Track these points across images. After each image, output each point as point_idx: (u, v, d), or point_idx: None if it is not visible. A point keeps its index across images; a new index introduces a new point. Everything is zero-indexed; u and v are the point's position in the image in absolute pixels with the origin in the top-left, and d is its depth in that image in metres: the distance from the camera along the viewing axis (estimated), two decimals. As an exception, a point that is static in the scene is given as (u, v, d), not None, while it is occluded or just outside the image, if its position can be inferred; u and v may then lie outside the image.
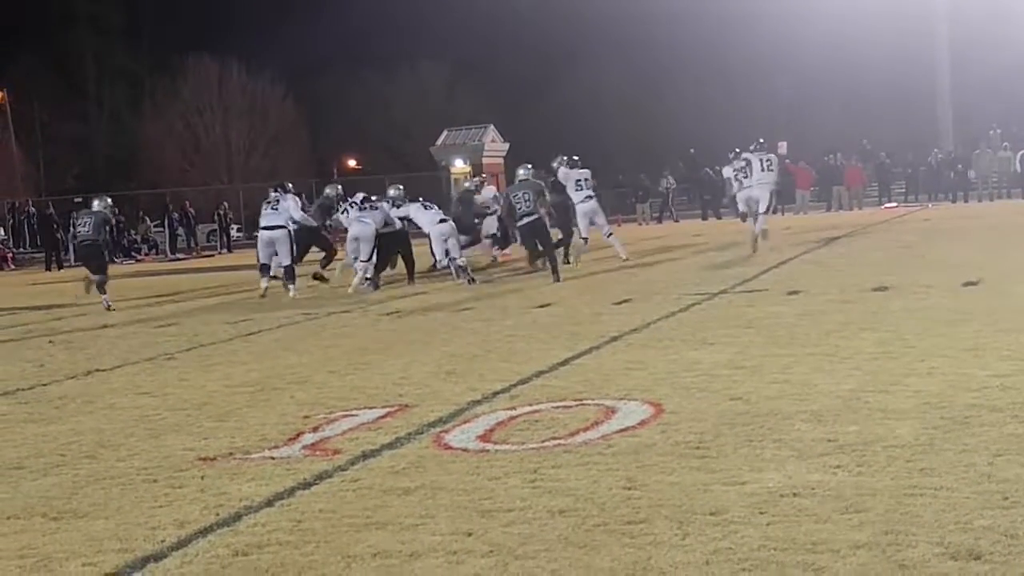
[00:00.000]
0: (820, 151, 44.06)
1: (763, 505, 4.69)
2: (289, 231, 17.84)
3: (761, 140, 22.29)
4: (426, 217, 18.75)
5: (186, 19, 68.86)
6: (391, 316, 13.45)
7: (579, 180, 20.70)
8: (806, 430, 5.91)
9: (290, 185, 19.99)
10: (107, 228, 20.09)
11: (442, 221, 18.57)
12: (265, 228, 17.88)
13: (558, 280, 16.65)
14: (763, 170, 20.37)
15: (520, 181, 18.44)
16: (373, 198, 19.47)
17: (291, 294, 17.21)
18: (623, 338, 9.90)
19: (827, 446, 5.55)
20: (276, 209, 17.95)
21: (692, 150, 50.07)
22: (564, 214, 20.68)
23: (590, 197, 20.50)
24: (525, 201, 17.65)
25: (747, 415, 6.36)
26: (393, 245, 18.86)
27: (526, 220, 17.67)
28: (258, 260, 18.04)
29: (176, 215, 43.60)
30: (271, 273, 17.67)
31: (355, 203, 19.05)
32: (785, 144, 47.29)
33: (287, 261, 17.64)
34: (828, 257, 18.08)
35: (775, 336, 9.32)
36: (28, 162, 63.57)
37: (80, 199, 51.55)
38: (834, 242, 21.51)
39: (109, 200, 19.17)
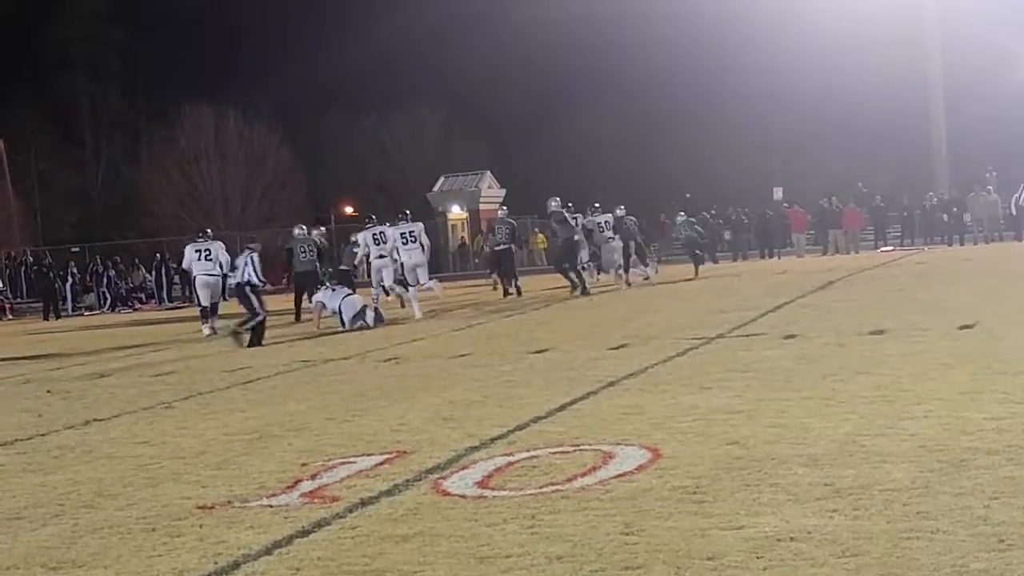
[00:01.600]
0: (815, 195, 44.25)
1: (760, 550, 4.70)
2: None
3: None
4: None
5: (182, 67, 69.21)
6: (389, 363, 13.46)
7: (601, 223, 26.33)
8: (803, 474, 5.92)
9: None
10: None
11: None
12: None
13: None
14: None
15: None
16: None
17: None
18: (620, 383, 9.92)
19: (824, 490, 5.56)
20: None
21: (688, 195, 50.29)
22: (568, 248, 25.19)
23: (611, 238, 26.07)
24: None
25: (744, 459, 6.37)
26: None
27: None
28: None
29: (173, 264, 43.64)
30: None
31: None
32: (781, 189, 47.63)
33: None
34: (824, 301, 18.11)
35: (772, 380, 9.34)
36: (25, 211, 63.65)
37: (77, 248, 51.75)
38: (830, 286, 21.55)
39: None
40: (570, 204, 27.44)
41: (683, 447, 6.85)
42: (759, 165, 61.66)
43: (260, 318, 17.99)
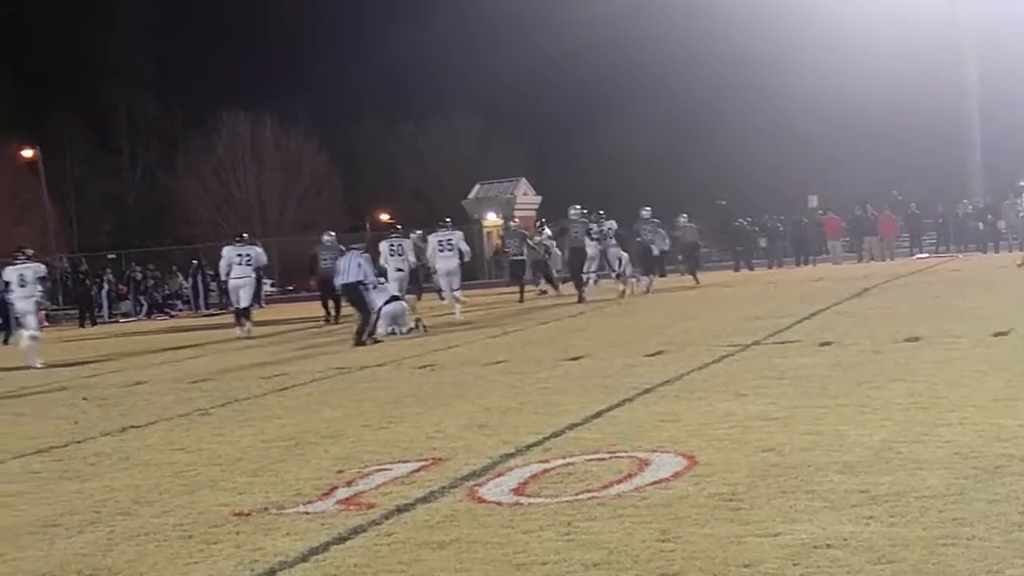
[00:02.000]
0: (850, 202, 44.09)
1: (796, 556, 4.69)
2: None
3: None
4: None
5: (219, 74, 69.78)
6: (424, 369, 13.48)
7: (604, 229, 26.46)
8: (839, 481, 5.90)
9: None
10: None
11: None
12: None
13: None
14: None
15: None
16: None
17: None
18: (656, 390, 9.90)
19: (859, 497, 5.54)
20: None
21: (723, 202, 50.16)
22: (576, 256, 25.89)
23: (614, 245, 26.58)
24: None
25: (780, 466, 6.35)
26: None
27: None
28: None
29: (210, 271, 43.87)
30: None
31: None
32: (816, 197, 47.48)
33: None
34: (860, 308, 18.02)
35: (807, 387, 9.31)
36: (61, 218, 64.17)
37: (113, 255, 52.15)
38: (866, 293, 21.43)
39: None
40: (601, 212, 28.00)
41: (719, 454, 6.83)
42: (794, 172, 61.39)
43: (371, 316, 18.42)
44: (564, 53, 65.75)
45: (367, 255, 19.33)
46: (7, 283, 20.45)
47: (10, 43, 63.29)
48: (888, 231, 41.34)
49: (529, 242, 31.45)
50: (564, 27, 64.25)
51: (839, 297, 20.39)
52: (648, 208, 29.82)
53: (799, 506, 5.48)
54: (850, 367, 10.43)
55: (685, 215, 33.21)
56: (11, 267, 20.46)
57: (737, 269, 41.50)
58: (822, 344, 12.59)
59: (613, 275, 27.08)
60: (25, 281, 19.94)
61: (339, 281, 18.95)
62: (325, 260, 24.69)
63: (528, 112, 68.59)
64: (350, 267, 18.68)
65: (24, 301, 20.06)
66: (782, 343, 13.16)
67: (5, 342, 27.82)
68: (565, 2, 63.42)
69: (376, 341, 18.06)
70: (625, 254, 26.91)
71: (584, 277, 26.39)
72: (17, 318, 22.19)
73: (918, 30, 52.95)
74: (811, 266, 39.87)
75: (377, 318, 18.85)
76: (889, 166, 57.27)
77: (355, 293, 18.65)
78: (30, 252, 21.12)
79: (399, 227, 25.97)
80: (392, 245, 23.56)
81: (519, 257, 29.99)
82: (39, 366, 18.67)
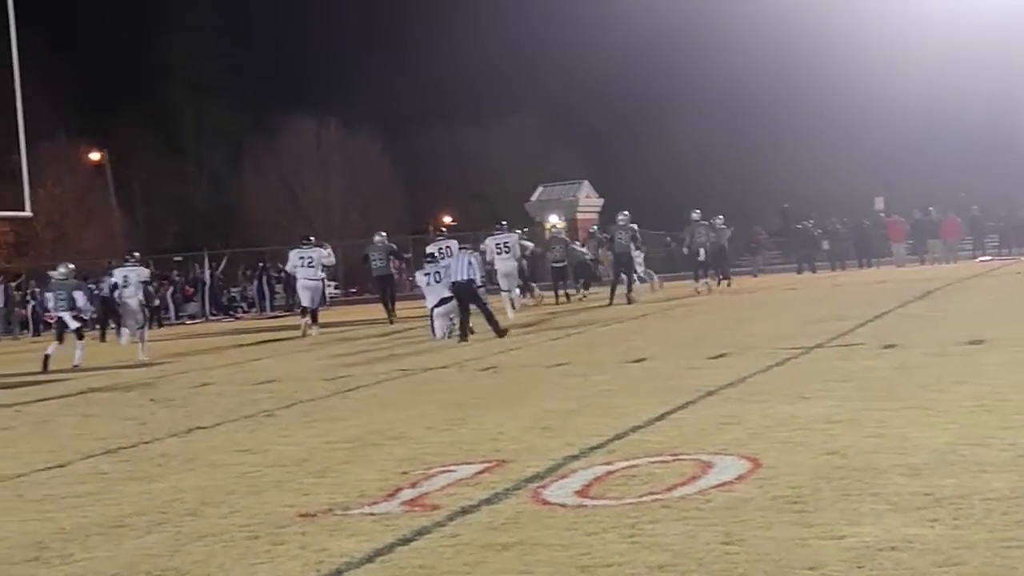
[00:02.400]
0: (914, 204, 43.71)
1: (861, 560, 4.67)
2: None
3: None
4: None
5: (284, 78, 70.24)
6: (487, 372, 13.53)
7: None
8: (903, 484, 5.86)
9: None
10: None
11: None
12: None
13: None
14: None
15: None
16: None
17: None
18: (719, 392, 9.87)
19: (924, 500, 5.50)
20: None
21: (787, 205, 49.85)
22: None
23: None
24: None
25: (844, 469, 6.32)
26: None
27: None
28: None
29: (274, 273, 44.27)
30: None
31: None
32: (882, 199, 47.05)
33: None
34: (924, 310, 17.86)
35: (871, 390, 9.24)
36: (128, 221, 65.02)
37: (180, 257, 52.76)
38: (929, 295, 21.23)
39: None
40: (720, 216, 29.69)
41: (783, 456, 6.81)
42: (860, 175, 60.80)
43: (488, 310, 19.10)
44: (628, 54, 65.59)
45: (476, 254, 19.78)
46: (115, 283, 22.07)
47: (78, 48, 64.21)
48: (951, 234, 40.91)
49: (573, 246, 32.25)
50: (628, 28, 64.14)
51: (902, 300, 20.22)
52: (698, 211, 30.20)
53: (863, 508, 5.45)
54: (914, 370, 10.35)
55: (721, 216, 33.07)
56: (120, 268, 22.60)
57: (800, 271, 41.22)
58: (886, 347, 12.50)
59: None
60: (129, 282, 21.60)
61: (452, 279, 19.12)
62: (375, 260, 25.41)
63: (591, 114, 68.48)
64: (461, 266, 18.97)
65: (131, 300, 21.60)
66: (845, 346, 13.08)
67: (102, 339, 28.78)
68: (629, 3, 63.28)
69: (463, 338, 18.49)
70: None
71: (635, 278, 27.54)
72: (119, 318, 24.11)
73: (987, 32, 52.33)
74: (874, 268, 39.52)
75: (431, 320, 19.12)
76: (952, 169, 56.58)
77: (468, 291, 18.90)
78: (137, 255, 23.41)
79: (503, 223, 26.06)
80: (498, 243, 24.09)
81: (559, 264, 31.04)
82: (144, 359, 20.08)
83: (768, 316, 19.35)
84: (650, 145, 68.29)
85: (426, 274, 19.69)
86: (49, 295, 21.81)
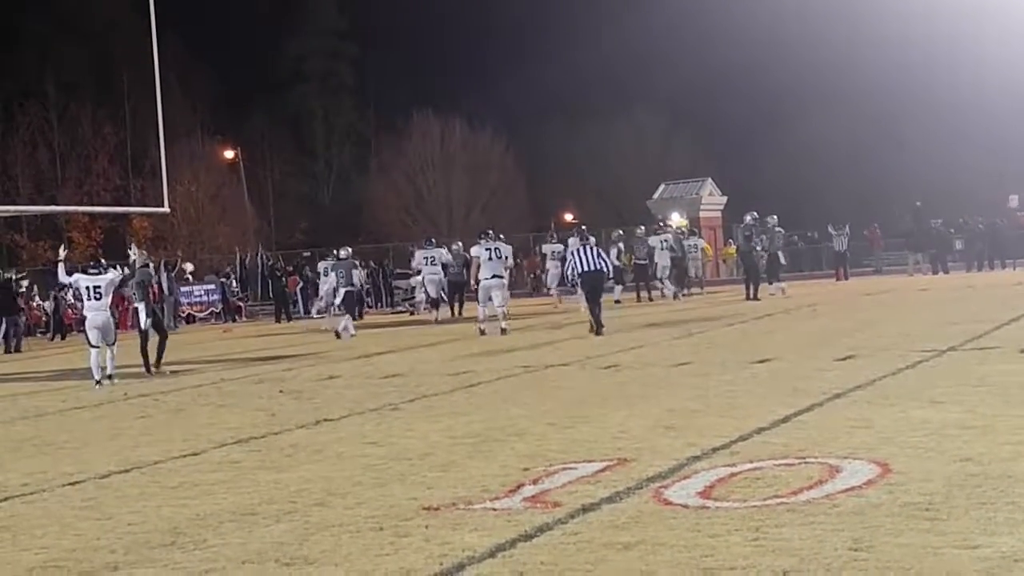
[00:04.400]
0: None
1: (996, 570, 4.54)
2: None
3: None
4: None
5: (411, 78, 70.94)
6: (609, 370, 13.48)
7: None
8: (1042, 494, 5.68)
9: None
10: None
11: None
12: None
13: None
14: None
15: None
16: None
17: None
18: (847, 395, 9.69)
19: (1064, 511, 5.33)
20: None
21: (919, 203, 48.77)
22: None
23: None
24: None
25: (979, 476, 6.15)
26: None
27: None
28: None
29: (398, 270, 44.68)
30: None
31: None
32: (1016, 198, 45.75)
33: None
34: (1064, 313, 17.31)
35: (1008, 395, 8.98)
36: (260, 217, 66.34)
37: (308, 253, 53.60)
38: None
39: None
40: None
41: (914, 462, 6.65)
42: (993, 173, 59.23)
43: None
44: (750, 51, 64.79)
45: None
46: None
47: (213, 49, 65.69)
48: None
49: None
50: (751, 25, 63.36)
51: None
52: (754, 213, 30.07)
53: (999, 518, 5.30)
54: (1053, 375, 10.04)
55: (774, 217, 32.30)
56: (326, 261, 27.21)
57: (934, 272, 40.29)
58: (1023, 351, 12.14)
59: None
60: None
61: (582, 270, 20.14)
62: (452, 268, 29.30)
63: (714, 111, 67.71)
64: (591, 257, 20.05)
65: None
66: (980, 349, 12.74)
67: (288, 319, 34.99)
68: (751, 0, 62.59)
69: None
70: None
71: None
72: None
73: None
74: (1008, 270, 38.47)
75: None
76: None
77: (599, 282, 20.36)
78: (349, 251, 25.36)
79: (489, 231, 25.45)
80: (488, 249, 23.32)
81: (643, 262, 31.95)
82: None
83: (898, 318, 18.94)
84: (773, 144, 67.40)
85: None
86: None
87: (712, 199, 52.79)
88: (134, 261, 19.23)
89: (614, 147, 69.49)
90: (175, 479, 8.01)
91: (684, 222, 47.62)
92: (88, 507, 7.24)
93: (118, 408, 13.43)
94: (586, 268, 19.78)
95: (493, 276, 21.81)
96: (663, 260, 31.74)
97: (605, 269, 19.88)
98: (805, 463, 6.83)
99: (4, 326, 29.95)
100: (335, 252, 26.70)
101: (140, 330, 18.25)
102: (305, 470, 7.98)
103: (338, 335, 22.90)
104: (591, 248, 20.16)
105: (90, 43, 63.07)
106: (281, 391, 13.75)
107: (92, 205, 57.05)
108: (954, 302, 21.87)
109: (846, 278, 38.26)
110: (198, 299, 42.15)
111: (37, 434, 11.35)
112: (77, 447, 10.13)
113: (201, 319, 41.20)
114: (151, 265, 20.81)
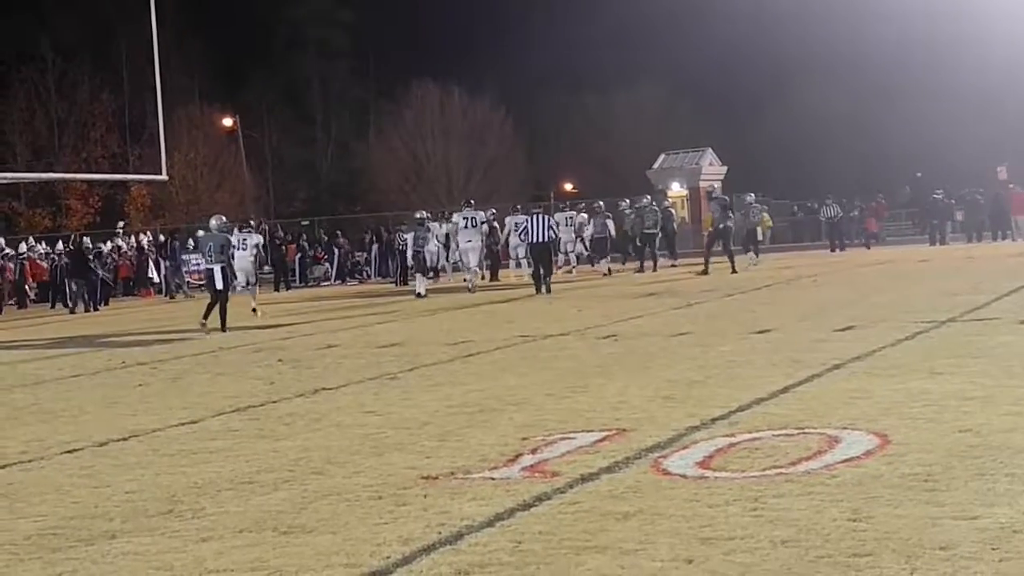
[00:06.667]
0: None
1: (995, 541, 4.53)
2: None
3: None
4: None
5: (409, 45, 70.55)
6: (608, 340, 13.47)
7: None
8: (1041, 465, 5.67)
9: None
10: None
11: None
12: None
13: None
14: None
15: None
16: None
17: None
18: (846, 366, 9.68)
19: (1064, 482, 5.32)
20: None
21: (919, 174, 48.68)
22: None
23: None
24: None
25: (978, 448, 6.14)
26: None
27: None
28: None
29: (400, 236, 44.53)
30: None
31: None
32: (1005, 169, 45.57)
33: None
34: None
35: (1007, 366, 8.97)
36: (258, 186, 66.20)
37: (307, 222, 53.58)
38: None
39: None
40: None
41: (913, 433, 6.64)
42: (989, 145, 59.04)
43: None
44: (751, 22, 64.53)
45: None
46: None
47: (210, 15, 65.29)
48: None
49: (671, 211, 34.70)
50: (754, -6, 63.09)
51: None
52: (752, 194, 32.76)
53: (998, 489, 5.29)
54: (1053, 347, 10.03)
55: (752, 195, 32.97)
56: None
57: (933, 243, 40.23)
58: (1022, 322, 12.13)
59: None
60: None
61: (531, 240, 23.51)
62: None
63: (715, 82, 67.39)
64: (540, 228, 22.87)
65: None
66: (980, 320, 12.73)
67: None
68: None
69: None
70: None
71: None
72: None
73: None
74: (1008, 242, 38.41)
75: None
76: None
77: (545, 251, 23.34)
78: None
79: (472, 201, 30.06)
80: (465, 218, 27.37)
81: (652, 231, 32.10)
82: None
83: (898, 288, 18.91)
84: (773, 114, 67.25)
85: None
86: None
87: (712, 169, 52.59)
88: (214, 225, 20.31)
89: (615, 117, 69.30)
90: (173, 447, 8.01)
91: (685, 192, 47.64)
92: (86, 475, 7.24)
93: (116, 376, 13.42)
94: (535, 240, 22.99)
95: (468, 241, 26.10)
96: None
97: (552, 239, 23.00)
98: (804, 434, 6.83)
99: (76, 287, 32.44)
100: (418, 216, 27.20)
101: (216, 290, 19.30)
102: (303, 439, 7.98)
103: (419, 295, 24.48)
104: (542, 218, 23.16)
105: (87, 8, 62.72)
106: (280, 360, 13.74)
107: (90, 172, 56.99)
108: (954, 273, 21.85)
109: (841, 248, 38.29)
110: (195, 267, 42.08)
111: (35, 402, 11.34)
112: (75, 415, 10.12)
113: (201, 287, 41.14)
114: (233, 230, 22.68)
